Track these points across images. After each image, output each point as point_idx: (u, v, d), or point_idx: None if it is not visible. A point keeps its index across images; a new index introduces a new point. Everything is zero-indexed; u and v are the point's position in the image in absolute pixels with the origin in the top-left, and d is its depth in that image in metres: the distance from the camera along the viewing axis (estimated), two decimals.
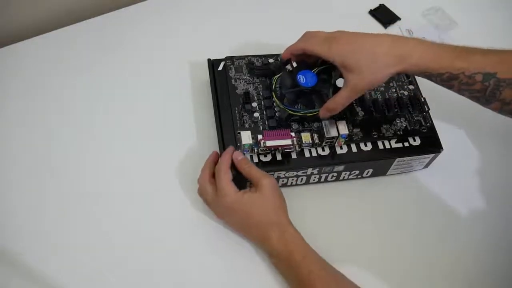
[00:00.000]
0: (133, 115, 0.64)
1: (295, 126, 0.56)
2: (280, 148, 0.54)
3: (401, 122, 0.58)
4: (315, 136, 0.55)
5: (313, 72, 0.55)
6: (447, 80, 0.50)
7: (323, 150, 0.56)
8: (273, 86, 0.56)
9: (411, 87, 0.61)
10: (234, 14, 0.76)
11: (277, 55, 0.62)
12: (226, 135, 0.56)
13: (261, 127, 0.56)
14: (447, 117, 0.63)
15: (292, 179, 0.57)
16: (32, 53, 0.68)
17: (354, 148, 0.57)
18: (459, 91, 0.51)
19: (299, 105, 0.55)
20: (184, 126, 0.63)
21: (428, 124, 0.59)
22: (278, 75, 0.57)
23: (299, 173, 0.56)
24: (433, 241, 0.57)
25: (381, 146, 0.58)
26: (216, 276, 0.53)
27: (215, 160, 0.55)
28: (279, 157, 0.55)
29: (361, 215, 0.59)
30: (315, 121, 0.56)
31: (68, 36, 0.70)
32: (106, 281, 0.51)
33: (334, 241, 0.55)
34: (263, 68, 0.60)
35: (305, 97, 0.55)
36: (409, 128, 0.58)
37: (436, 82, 0.52)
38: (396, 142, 0.58)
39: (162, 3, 0.76)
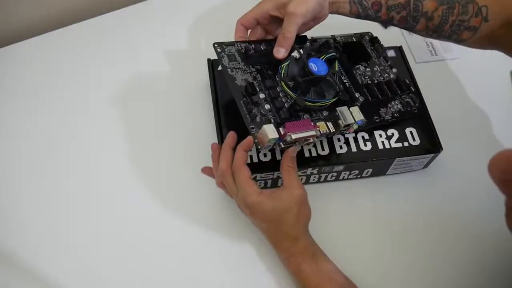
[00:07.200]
0: (133, 115, 0.64)
1: (306, 116, 0.52)
2: (303, 140, 0.48)
3: (396, 104, 0.59)
4: (330, 125, 0.51)
5: (322, 59, 0.53)
6: None
7: (323, 149, 0.56)
8: (282, 75, 0.53)
9: (394, 70, 0.62)
10: (234, 14, 0.76)
11: (269, 41, 0.58)
12: (226, 135, 0.56)
13: (272, 120, 0.51)
14: (447, 118, 0.63)
15: None
16: (32, 53, 0.68)
17: (353, 148, 0.57)
18: (388, 12, 0.55)
19: (311, 94, 0.52)
20: (184, 126, 0.63)
21: (417, 104, 0.60)
22: (286, 63, 0.53)
23: (299, 173, 0.56)
24: (432, 241, 0.57)
25: (380, 146, 0.58)
26: (222, 276, 0.53)
27: (219, 151, 0.53)
28: (278, 156, 0.55)
29: (360, 215, 0.59)
30: (323, 110, 0.54)
31: (68, 36, 0.70)
32: (106, 280, 0.52)
33: (333, 241, 0.55)
34: (258, 55, 0.55)
35: (316, 85, 0.52)
36: (402, 110, 0.59)
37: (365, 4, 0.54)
38: (396, 142, 0.58)
39: (162, 3, 0.76)
